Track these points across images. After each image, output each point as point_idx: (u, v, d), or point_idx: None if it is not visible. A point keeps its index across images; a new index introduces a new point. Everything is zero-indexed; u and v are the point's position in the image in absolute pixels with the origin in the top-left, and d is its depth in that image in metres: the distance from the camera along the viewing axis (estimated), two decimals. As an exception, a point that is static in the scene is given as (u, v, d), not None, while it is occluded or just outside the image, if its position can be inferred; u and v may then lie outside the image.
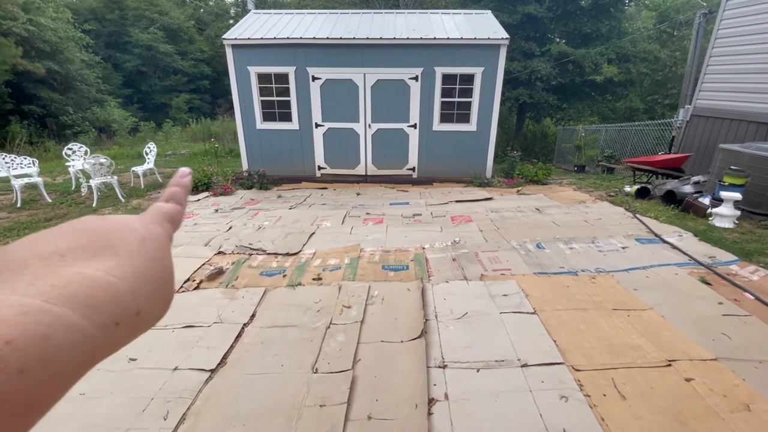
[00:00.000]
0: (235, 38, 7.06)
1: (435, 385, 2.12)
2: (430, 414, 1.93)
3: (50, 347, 0.20)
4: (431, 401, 2.01)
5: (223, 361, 2.37)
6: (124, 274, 0.26)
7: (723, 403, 1.93)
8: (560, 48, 13.28)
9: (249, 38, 7.03)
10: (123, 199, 6.39)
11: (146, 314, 0.26)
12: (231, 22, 23.68)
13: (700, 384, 2.06)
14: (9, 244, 0.26)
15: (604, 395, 2.01)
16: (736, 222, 4.52)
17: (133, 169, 7.53)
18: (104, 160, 6.29)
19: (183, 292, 3.24)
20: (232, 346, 2.51)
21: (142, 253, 0.28)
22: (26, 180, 6.33)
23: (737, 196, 4.41)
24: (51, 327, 0.20)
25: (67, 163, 7.47)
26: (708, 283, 3.13)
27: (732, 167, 4.58)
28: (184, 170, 0.39)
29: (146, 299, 0.26)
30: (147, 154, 7.76)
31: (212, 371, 2.28)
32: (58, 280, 0.22)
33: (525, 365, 2.25)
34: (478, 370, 2.23)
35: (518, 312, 2.80)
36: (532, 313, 2.78)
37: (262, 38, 7.02)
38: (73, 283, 0.23)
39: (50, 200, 6.34)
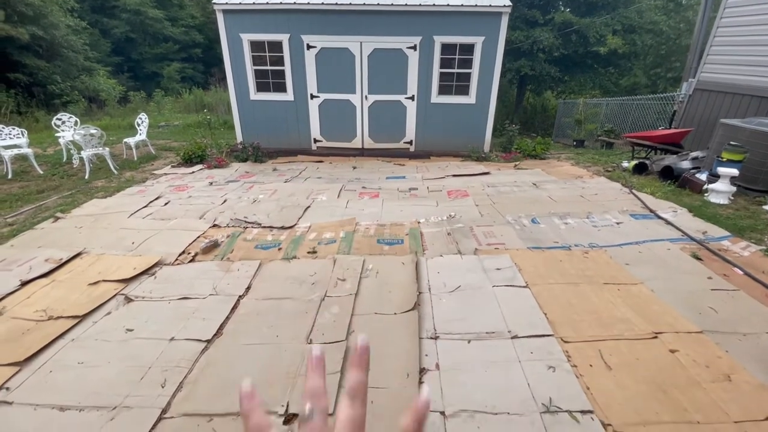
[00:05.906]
0: (227, 2, 6.75)
1: (427, 355, 2.17)
2: (421, 383, 1.98)
3: None
4: (422, 371, 2.06)
5: (218, 331, 2.41)
6: None
7: (705, 373, 1.99)
8: (564, 16, 12.83)
9: (241, 2, 6.73)
10: (116, 172, 6.30)
11: None
12: (222, -15, 22.55)
13: (684, 355, 2.12)
14: None
15: (591, 366, 2.06)
16: (732, 198, 4.53)
17: (126, 140, 7.39)
18: (95, 131, 6.15)
19: (178, 264, 3.25)
20: (227, 317, 2.54)
21: None
22: (16, 151, 6.21)
23: (734, 172, 4.39)
24: None
25: (57, 134, 7.31)
26: (699, 259, 3.17)
27: (731, 143, 4.54)
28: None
29: None
30: (139, 125, 7.59)
31: (208, 341, 2.32)
32: None
33: (515, 337, 2.30)
34: (469, 342, 2.28)
35: (511, 285, 2.84)
36: (524, 287, 2.82)
37: (254, 3, 6.72)
38: None
39: (41, 172, 6.24)
